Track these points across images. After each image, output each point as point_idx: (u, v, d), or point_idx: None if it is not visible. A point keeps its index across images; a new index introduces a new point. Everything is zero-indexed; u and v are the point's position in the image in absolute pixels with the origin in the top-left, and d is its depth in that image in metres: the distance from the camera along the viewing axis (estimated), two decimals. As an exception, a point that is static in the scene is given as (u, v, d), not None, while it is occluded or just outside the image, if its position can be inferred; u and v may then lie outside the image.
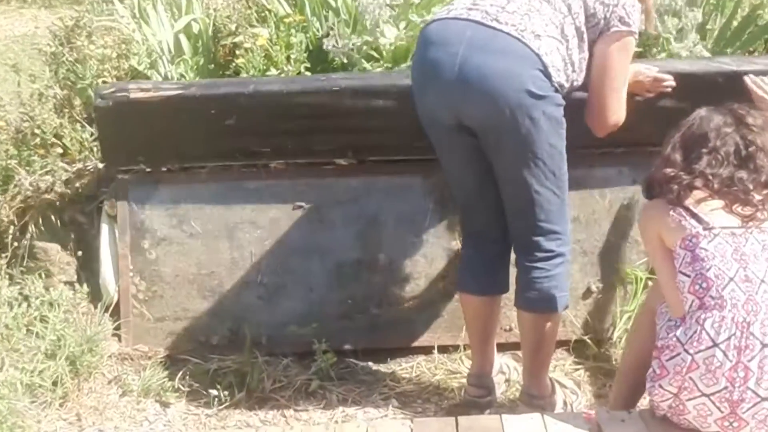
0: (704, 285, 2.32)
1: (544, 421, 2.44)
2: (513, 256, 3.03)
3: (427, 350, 3.46)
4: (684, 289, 2.36)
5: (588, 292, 3.48)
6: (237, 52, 3.67)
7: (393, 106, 3.24)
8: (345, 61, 3.58)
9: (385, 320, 3.46)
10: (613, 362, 3.37)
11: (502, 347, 3.34)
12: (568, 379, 3.24)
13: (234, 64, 3.69)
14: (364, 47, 3.55)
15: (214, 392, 3.20)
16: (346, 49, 3.54)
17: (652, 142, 3.28)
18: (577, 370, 3.36)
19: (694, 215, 2.43)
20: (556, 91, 2.76)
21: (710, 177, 2.46)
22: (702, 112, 2.63)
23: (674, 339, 2.33)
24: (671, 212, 2.47)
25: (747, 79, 3.01)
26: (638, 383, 2.75)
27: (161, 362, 3.37)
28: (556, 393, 3.09)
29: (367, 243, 3.44)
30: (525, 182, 2.82)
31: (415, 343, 3.47)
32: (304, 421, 3.12)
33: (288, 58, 3.64)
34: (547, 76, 2.72)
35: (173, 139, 3.39)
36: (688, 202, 2.46)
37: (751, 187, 2.43)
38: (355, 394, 3.26)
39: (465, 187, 3.05)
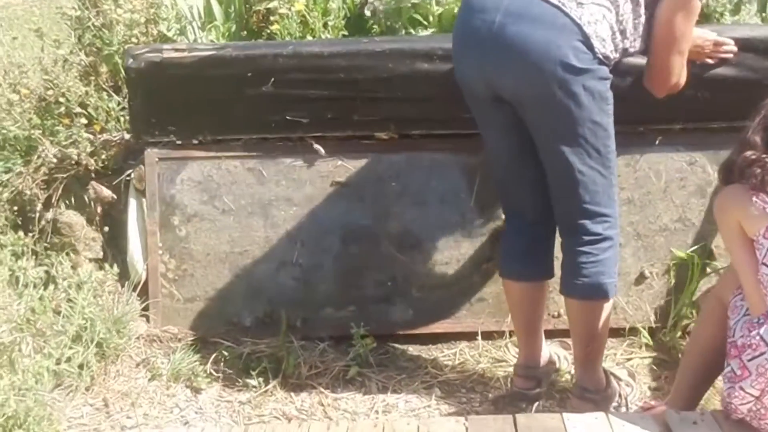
0: (793, 280, 2.13)
1: (610, 421, 2.27)
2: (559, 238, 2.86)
3: (470, 336, 3.29)
4: None
5: (641, 278, 3.30)
6: (271, 18, 3.47)
7: (439, 73, 3.04)
8: (387, 25, 3.37)
9: (426, 304, 3.29)
10: (669, 352, 3.20)
11: (551, 334, 3.18)
12: (622, 369, 3.07)
13: (268, 31, 3.49)
14: (411, 11, 3.34)
15: (249, 379, 3.04)
16: (389, 12, 3.32)
17: (712, 118, 3.19)
18: (629, 360, 3.18)
19: None
20: (601, 63, 2.55)
21: None
22: None
23: (757, 337, 2.15)
24: (754, 198, 2.29)
25: None
26: (703, 379, 2.60)
27: (191, 345, 3.22)
28: (610, 386, 2.91)
29: (408, 223, 3.26)
30: (566, 161, 2.65)
31: (458, 329, 3.30)
32: (343, 411, 2.96)
33: (325, 24, 3.44)
34: (589, 47, 2.51)
35: (207, 108, 3.20)
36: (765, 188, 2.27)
37: None
38: (396, 382, 3.10)
39: (501, 163, 2.88)
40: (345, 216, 3.25)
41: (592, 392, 2.84)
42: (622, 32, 2.61)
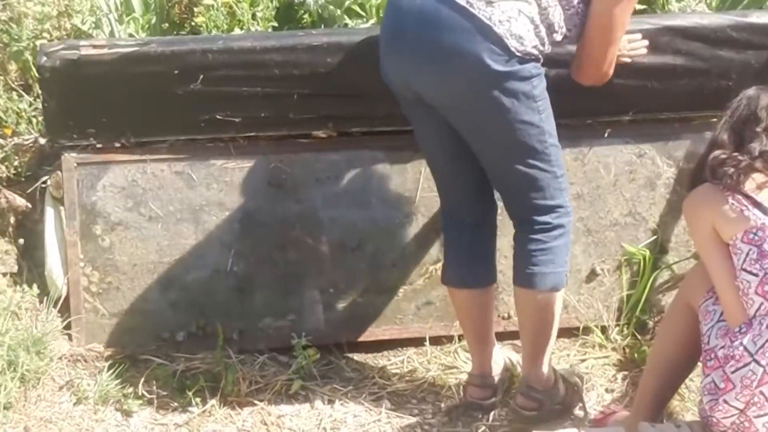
0: (776, 286, 2.03)
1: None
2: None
3: (418, 342, 3.13)
4: (749, 290, 2.08)
5: (592, 275, 3.18)
6: (195, 9, 3.24)
7: (379, 68, 2.78)
8: (325, 16, 3.17)
9: (371, 310, 3.13)
10: (624, 351, 3.09)
11: (501, 336, 3.04)
12: (572, 373, 2.94)
13: (192, 23, 3.26)
14: (347, 1, 3.15)
15: (185, 399, 2.83)
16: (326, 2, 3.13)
17: (661, 109, 3.09)
18: (584, 360, 3.07)
19: (757, 204, 2.15)
20: (523, 61, 2.41)
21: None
22: (749, 92, 2.42)
23: (741, 348, 2.04)
24: (730, 199, 2.18)
25: None
26: (669, 385, 2.51)
27: (120, 364, 2.95)
28: (557, 386, 2.78)
29: (350, 225, 3.07)
30: (502, 164, 2.56)
31: (405, 335, 3.14)
32: (288, 429, 2.77)
33: (254, 16, 3.22)
34: (504, 48, 2.36)
35: (130, 108, 2.95)
36: (749, 187, 2.17)
37: None
38: (342, 395, 2.92)
39: (437, 165, 2.76)
40: (282, 220, 3.05)
41: (538, 391, 2.73)
42: (549, 26, 2.47)
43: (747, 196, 2.17)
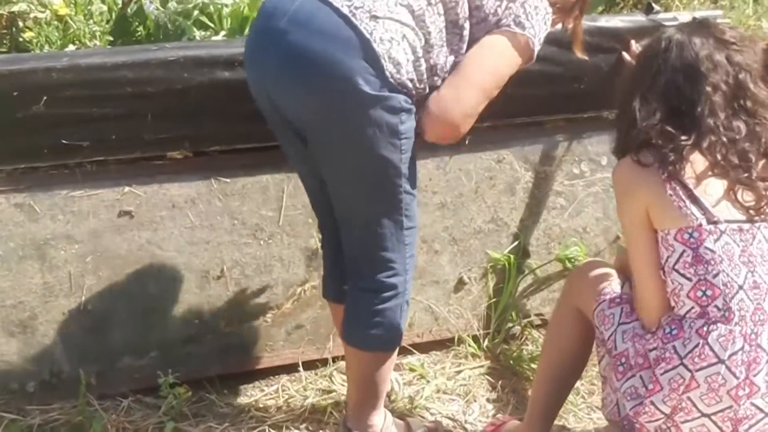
0: (709, 293, 2.02)
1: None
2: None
3: (291, 369, 3.00)
4: (680, 292, 2.06)
5: (460, 284, 3.16)
6: (21, 23, 2.93)
7: (241, 82, 2.56)
8: (170, 28, 2.94)
9: (239, 340, 2.96)
10: (498, 359, 3.09)
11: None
12: (421, 424, 2.77)
13: (18, 39, 2.95)
14: (195, 12, 2.94)
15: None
16: (171, 12, 2.90)
17: (517, 114, 3.09)
18: (459, 372, 3.04)
19: (695, 200, 2.04)
20: (394, 90, 2.20)
21: (718, 136, 2.05)
22: (676, 35, 2.15)
23: (672, 350, 2.02)
24: (668, 188, 2.05)
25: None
26: (559, 391, 2.49)
27: (-38, 424, 2.65)
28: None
29: (210, 251, 2.87)
30: (348, 198, 2.39)
31: (277, 362, 3.00)
32: (169, 477, 2.57)
33: (89, 30, 2.96)
34: (379, 69, 2.17)
35: (-43, 137, 2.62)
36: (687, 175, 2.05)
37: (753, 158, 2.06)
38: (220, 433, 2.75)
39: (307, 185, 2.62)
40: (138, 251, 2.81)
41: None
42: (432, 66, 2.28)
43: (685, 188, 2.05)
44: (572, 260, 3.21)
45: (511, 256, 3.16)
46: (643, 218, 2.11)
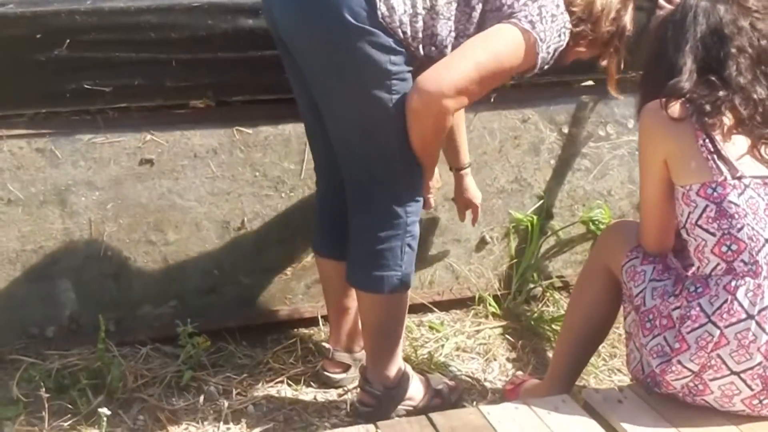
0: (734, 248, 1.97)
1: (534, 411, 2.06)
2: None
3: (309, 322, 2.99)
4: (705, 249, 2.02)
5: (482, 243, 3.14)
6: (46, -33, 2.91)
7: (264, 31, 2.58)
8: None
9: (258, 292, 2.96)
10: (519, 320, 3.06)
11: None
12: (441, 380, 2.75)
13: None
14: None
15: (66, 401, 2.53)
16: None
17: (543, 73, 3.03)
18: (479, 332, 3.02)
19: (720, 155, 2.01)
20: (384, 31, 2.18)
21: (746, 94, 2.04)
22: (701, 2, 2.15)
23: (697, 308, 1.98)
24: (700, 141, 2.02)
25: None
26: (585, 352, 2.46)
27: (-17, 366, 2.65)
28: (401, 387, 2.58)
29: (231, 202, 2.86)
30: (342, 133, 2.37)
31: (297, 316, 3.00)
32: (186, 424, 2.55)
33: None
34: (371, 6, 2.16)
35: (-19, 78, 2.61)
36: (717, 131, 2.02)
37: None
38: (238, 383, 2.72)
39: (306, 124, 2.61)
40: (159, 199, 2.79)
41: (375, 387, 2.56)
42: (431, 36, 2.24)
43: (713, 141, 2.03)
44: (596, 223, 3.17)
45: (534, 217, 3.13)
46: (660, 168, 2.09)
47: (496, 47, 2.24)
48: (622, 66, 2.55)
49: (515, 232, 3.15)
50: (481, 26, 2.28)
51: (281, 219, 2.92)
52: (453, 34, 2.27)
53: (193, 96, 2.79)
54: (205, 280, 2.89)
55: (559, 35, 2.29)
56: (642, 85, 2.29)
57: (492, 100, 3.00)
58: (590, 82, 3.15)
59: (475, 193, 2.90)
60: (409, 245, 2.45)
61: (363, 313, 2.55)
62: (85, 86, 2.65)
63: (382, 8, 2.17)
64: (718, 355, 1.97)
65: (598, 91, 3.12)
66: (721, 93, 2.04)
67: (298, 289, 2.98)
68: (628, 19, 2.44)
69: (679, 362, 2.00)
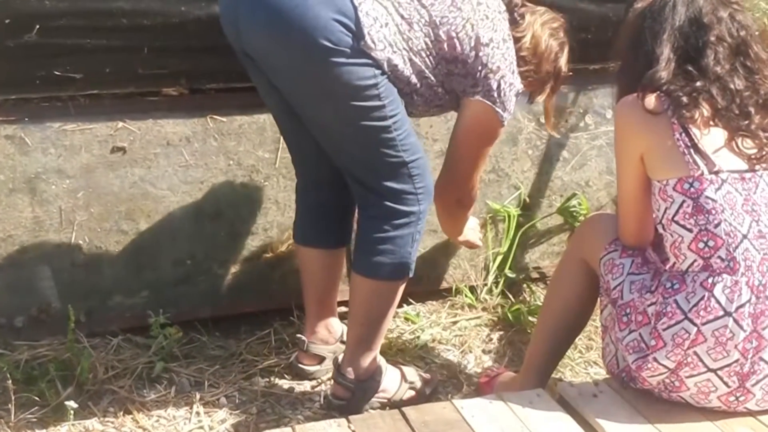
0: (711, 244, 1.95)
1: (508, 405, 2.04)
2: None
3: (284, 314, 2.94)
4: (681, 245, 2.00)
5: (458, 234, 3.11)
6: (16, -50, 2.84)
7: None
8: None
9: (232, 281, 2.92)
10: (495, 311, 3.04)
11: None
12: (415, 372, 2.72)
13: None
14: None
15: (34, 393, 2.48)
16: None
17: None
18: (455, 323, 3.00)
19: (697, 149, 1.98)
20: (362, 55, 2.20)
21: (723, 84, 2.02)
22: None
23: (674, 305, 1.96)
24: (676, 135, 1.99)
25: None
26: (561, 345, 2.44)
27: (-52, 357, 2.60)
28: (374, 380, 2.57)
29: (205, 191, 2.82)
30: (337, 142, 2.38)
31: (271, 306, 2.96)
32: (157, 417, 2.51)
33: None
34: (355, 27, 2.17)
35: (-53, 65, 2.54)
36: (693, 125, 1.99)
37: (752, 110, 2.02)
38: (210, 375, 2.69)
39: (278, 121, 2.59)
40: (131, 188, 2.75)
41: (350, 380, 2.53)
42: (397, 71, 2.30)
43: (689, 135, 2.00)
44: (574, 214, 3.15)
45: (511, 208, 3.11)
46: (636, 161, 2.07)
47: (482, 150, 2.53)
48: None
49: (492, 223, 3.13)
50: (445, 83, 2.39)
51: (255, 208, 2.89)
52: (423, 74, 2.35)
53: (166, 83, 2.74)
54: (177, 270, 2.84)
55: (515, 95, 2.48)
56: (619, 77, 2.26)
57: (470, 89, 2.98)
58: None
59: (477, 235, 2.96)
60: (420, 232, 2.47)
61: (358, 301, 2.51)
62: (56, 73, 2.60)
63: (367, 40, 2.19)
64: (695, 353, 1.96)
65: (577, 81, 3.10)
66: (698, 83, 2.02)
67: (273, 279, 2.94)
68: (563, 61, 2.59)
69: (655, 359, 1.98)
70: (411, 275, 2.51)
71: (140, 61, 2.65)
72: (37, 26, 2.52)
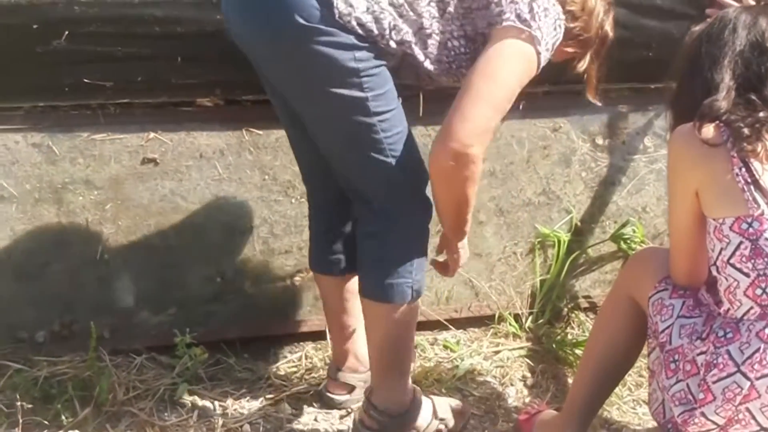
0: (771, 291, 1.78)
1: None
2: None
3: (316, 336, 2.82)
4: (737, 290, 1.82)
5: (504, 258, 2.95)
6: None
7: None
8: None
9: (263, 302, 2.80)
10: (540, 341, 2.87)
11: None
12: (448, 405, 2.53)
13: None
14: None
15: (51, 412, 2.39)
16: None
17: (577, 80, 2.82)
18: (497, 352, 2.84)
19: (758, 186, 1.80)
20: (343, 30, 2.02)
21: None
22: (742, 15, 1.98)
23: (726, 356, 1.79)
24: (736, 170, 1.82)
25: None
26: (604, 387, 2.26)
27: (-33, 371, 2.52)
28: (410, 414, 2.39)
29: (238, 206, 2.71)
30: (324, 138, 2.21)
31: (303, 329, 2.84)
32: (176, 444, 2.41)
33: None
34: (325, 3, 2.00)
35: (-25, 70, 2.47)
36: (755, 159, 1.81)
37: None
38: (235, 399, 2.57)
39: (287, 133, 2.46)
40: (160, 201, 2.65)
41: (380, 412, 2.36)
42: (398, 32, 2.09)
43: (749, 170, 1.82)
44: (628, 241, 2.97)
45: (562, 233, 2.94)
46: (691, 197, 1.90)
47: (501, 74, 2.07)
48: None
49: (541, 248, 2.96)
50: (465, 25, 2.13)
51: (290, 226, 2.76)
52: (426, 30, 2.11)
53: (200, 94, 2.63)
54: (206, 287, 2.74)
55: (555, 28, 2.13)
56: (674, 104, 2.08)
57: (521, 107, 2.80)
58: (627, 91, 2.95)
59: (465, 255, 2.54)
60: (419, 249, 2.27)
61: (371, 327, 2.36)
62: (85, 80, 2.49)
63: (339, 6, 2.01)
64: (747, 409, 1.78)
65: (636, 101, 2.93)
66: (761, 114, 1.84)
67: (306, 300, 2.82)
68: (609, 26, 2.31)
69: (703, 414, 1.80)
70: (420, 295, 2.31)
71: (173, 70, 2.53)
72: (66, 32, 2.42)
